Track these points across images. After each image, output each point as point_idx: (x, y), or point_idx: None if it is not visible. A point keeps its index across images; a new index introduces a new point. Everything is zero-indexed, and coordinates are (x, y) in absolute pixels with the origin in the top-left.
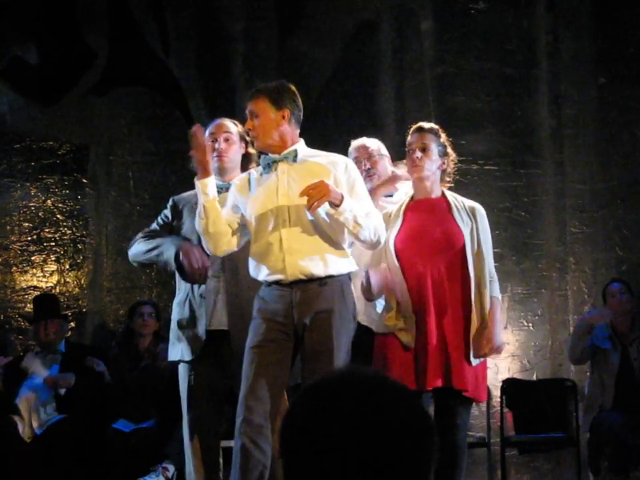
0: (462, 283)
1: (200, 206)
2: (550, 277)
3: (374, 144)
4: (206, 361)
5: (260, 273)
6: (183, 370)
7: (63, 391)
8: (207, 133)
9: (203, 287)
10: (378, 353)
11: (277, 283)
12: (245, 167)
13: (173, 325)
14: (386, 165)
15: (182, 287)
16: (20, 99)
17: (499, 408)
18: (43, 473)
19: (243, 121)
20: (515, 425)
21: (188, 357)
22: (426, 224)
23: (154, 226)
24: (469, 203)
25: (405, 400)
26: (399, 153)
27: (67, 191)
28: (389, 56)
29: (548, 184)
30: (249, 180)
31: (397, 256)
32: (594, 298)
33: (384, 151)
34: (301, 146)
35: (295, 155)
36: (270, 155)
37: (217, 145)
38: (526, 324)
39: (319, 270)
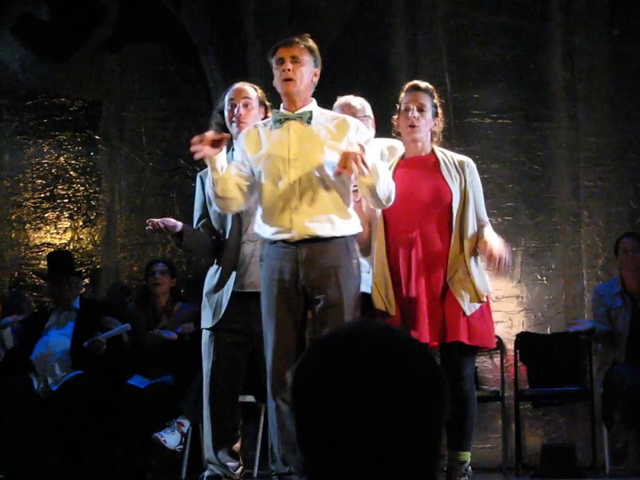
0: (448, 237)
1: (210, 177)
2: (563, 231)
3: (358, 103)
4: (230, 326)
5: (265, 230)
6: (206, 336)
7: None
8: (226, 98)
9: (240, 252)
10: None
11: (283, 241)
12: None
13: (203, 294)
14: (369, 127)
15: (219, 257)
16: (31, 56)
17: (512, 362)
18: (59, 429)
19: (256, 80)
20: (529, 379)
21: (209, 324)
22: (414, 182)
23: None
24: (458, 157)
25: (415, 352)
26: None
27: (80, 148)
28: (401, 9)
29: (561, 137)
30: (258, 134)
31: (384, 214)
32: (607, 251)
33: (369, 111)
34: (314, 107)
35: (309, 117)
36: (283, 110)
37: (235, 111)
38: (540, 277)
39: (324, 231)
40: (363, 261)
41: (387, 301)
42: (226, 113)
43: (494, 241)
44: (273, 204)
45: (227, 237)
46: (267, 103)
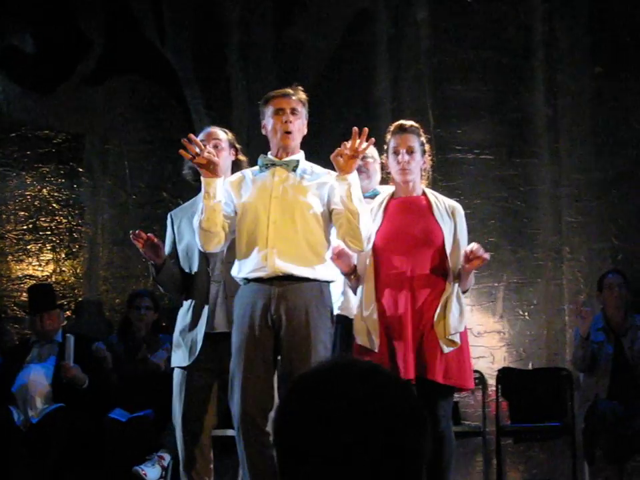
0: (439, 278)
1: (201, 203)
2: (545, 267)
3: (370, 150)
4: (202, 365)
5: (242, 270)
6: (177, 374)
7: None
8: None
9: (206, 293)
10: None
11: (257, 280)
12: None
13: (176, 333)
14: (376, 169)
15: (188, 294)
16: (16, 88)
17: (494, 397)
18: (39, 462)
19: (239, 113)
20: (511, 414)
21: (185, 363)
22: (406, 222)
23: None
24: (449, 202)
25: (398, 389)
26: None
27: (63, 180)
28: (385, 45)
29: (544, 173)
30: (243, 180)
31: (374, 252)
32: (589, 287)
33: (372, 154)
34: (301, 157)
35: (295, 166)
36: (270, 155)
37: None
38: (521, 313)
39: (299, 272)
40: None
41: (372, 337)
42: None
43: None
44: (250, 244)
45: (190, 272)
46: (237, 146)
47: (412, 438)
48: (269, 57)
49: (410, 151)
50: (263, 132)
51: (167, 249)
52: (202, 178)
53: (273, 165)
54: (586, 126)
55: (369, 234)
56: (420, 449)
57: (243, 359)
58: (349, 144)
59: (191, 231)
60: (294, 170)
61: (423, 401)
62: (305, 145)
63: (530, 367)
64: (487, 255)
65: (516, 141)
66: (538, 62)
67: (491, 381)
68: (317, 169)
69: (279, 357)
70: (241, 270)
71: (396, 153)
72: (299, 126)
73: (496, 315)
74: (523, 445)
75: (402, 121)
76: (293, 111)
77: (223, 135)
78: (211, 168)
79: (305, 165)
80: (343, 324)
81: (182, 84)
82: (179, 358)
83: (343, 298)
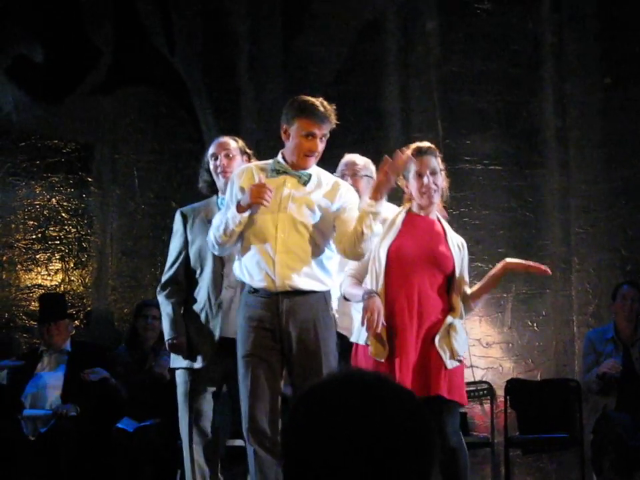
0: (444, 301)
1: (229, 224)
2: (554, 277)
3: (362, 162)
4: (212, 367)
5: (247, 276)
6: (181, 376)
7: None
8: (209, 153)
9: (220, 297)
10: (354, 361)
11: (264, 290)
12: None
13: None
14: (368, 186)
15: (199, 297)
16: (25, 98)
17: (503, 408)
18: (47, 472)
19: (249, 123)
20: (519, 425)
21: (199, 365)
22: (423, 241)
23: (172, 256)
24: (457, 236)
25: (406, 402)
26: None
27: (72, 190)
28: (394, 56)
29: (553, 184)
30: (252, 176)
31: (387, 264)
32: (598, 298)
33: (369, 172)
34: (314, 170)
35: (307, 180)
36: (283, 161)
37: (218, 162)
38: (530, 324)
39: (305, 285)
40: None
41: (383, 347)
42: (211, 167)
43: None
44: (258, 253)
45: (202, 275)
46: (249, 151)
47: (421, 451)
48: (278, 67)
49: (433, 172)
50: (282, 135)
51: (177, 249)
52: (238, 212)
53: (285, 172)
54: (595, 137)
55: (368, 252)
56: (429, 461)
57: (250, 369)
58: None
59: (204, 232)
60: (305, 184)
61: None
62: None
63: (538, 377)
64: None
65: (525, 151)
66: (547, 73)
67: (500, 392)
68: (325, 177)
69: (291, 370)
70: (245, 275)
71: (420, 175)
72: (322, 149)
73: (504, 326)
74: (532, 456)
75: (419, 144)
76: (323, 137)
77: (234, 144)
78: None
79: (315, 175)
80: (343, 341)
81: (191, 94)
82: (189, 360)
83: (343, 317)
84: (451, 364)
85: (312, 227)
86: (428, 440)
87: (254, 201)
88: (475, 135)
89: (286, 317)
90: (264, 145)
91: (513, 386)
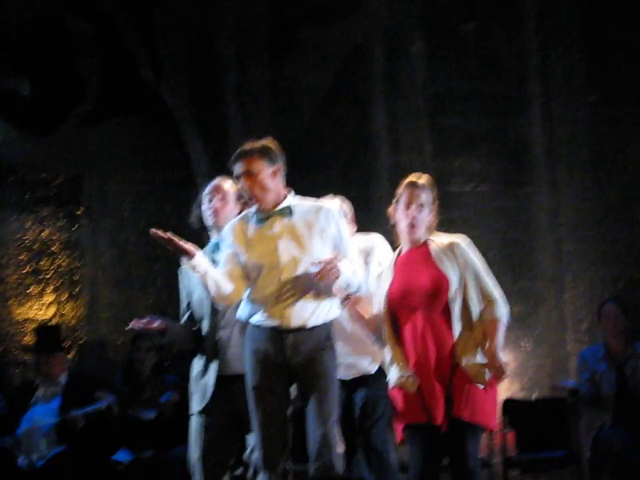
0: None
1: (207, 278)
2: (547, 296)
3: (336, 204)
4: (218, 410)
5: (251, 316)
6: (195, 421)
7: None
8: (205, 193)
9: (215, 338)
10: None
11: (270, 327)
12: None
13: (191, 380)
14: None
15: (200, 344)
16: (13, 131)
17: (500, 428)
18: None
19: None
20: (517, 445)
21: (198, 407)
22: (413, 275)
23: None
24: (447, 239)
25: None
26: (391, 176)
27: (62, 222)
28: (381, 79)
29: (542, 202)
30: (244, 227)
31: (391, 311)
32: (591, 316)
33: (346, 211)
34: (292, 199)
35: (289, 211)
36: (260, 209)
37: (211, 204)
38: (524, 344)
39: (311, 321)
40: None
41: (411, 381)
42: (204, 207)
43: (496, 348)
44: (261, 296)
45: (203, 323)
46: (244, 197)
47: None
48: (265, 93)
49: (420, 206)
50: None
51: (184, 302)
52: (185, 266)
53: (269, 216)
54: (583, 154)
55: (359, 288)
56: None
57: (258, 401)
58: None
59: (200, 283)
60: (289, 216)
61: (449, 440)
62: (305, 179)
63: (534, 396)
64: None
65: (513, 171)
66: (533, 92)
67: None
68: (304, 204)
69: (301, 393)
70: (250, 315)
71: (407, 207)
72: (260, 184)
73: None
74: (530, 476)
75: (414, 178)
76: (247, 174)
77: (231, 188)
78: (184, 252)
79: (296, 205)
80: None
81: (179, 122)
82: (194, 404)
83: None
84: (480, 384)
85: (308, 261)
86: None
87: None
88: (463, 155)
89: (291, 351)
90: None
91: (509, 405)
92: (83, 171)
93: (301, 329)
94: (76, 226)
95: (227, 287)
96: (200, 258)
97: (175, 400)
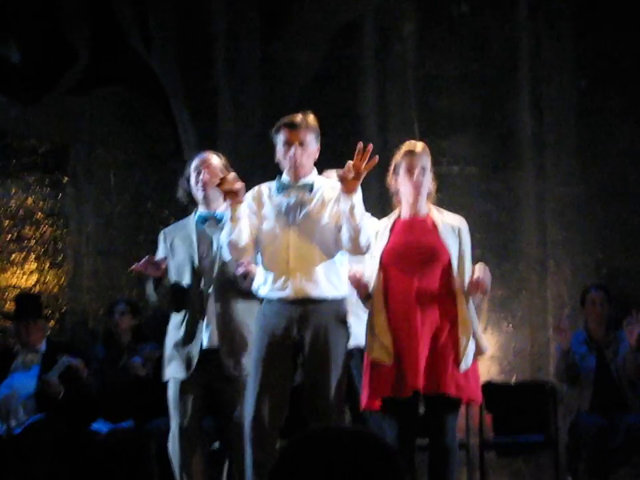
0: (447, 295)
1: (228, 224)
2: (530, 280)
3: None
4: (195, 379)
5: (262, 289)
6: (172, 386)
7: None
8: (192, 166)
9: (201, 309)
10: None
11: (279, 299)
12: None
13: (168, 345)
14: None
15: (182, 310)
16: (1, 98)
17: (478, 410)
18: (21, 473)
19: (225, 123)
20: (494, 427)
21: (181, 375)
22: (412, 240)
23: None
24: (452, 219)
25: (384, 457)
26: (380, 157)
27: (48, 190)
28: (371, 59)
29: (528, 187)
30: (262, 196)
31: (383, 270)
32: (574, 301)
33: None
34: (315, 177)
35: (311, 188)
36: (285, 176)
37: (200, 177)
38: (505, 326)
39: (319, 294)
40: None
41: (386, 351)
42: (192, 180)
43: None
44: (271, 266)
45: (184, 290)
46: (231, 169)
47: None
48: (255, 69)
49: (423, 171)
50: (277, 158)
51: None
52: (228, 203)
53: (289, 187)
54: (571, 140)
55: (368, 243)
56: None
57: (259, 372)
58: (352, 163)
59: (184, 248)
60: (310, 192)
61: (431, 414)
62: None
63: (514, 380)
64: (486, 285)
65: (501, 154)
66: (523, 76)
67: None
68: (328, 183)
69: (303, 372)
70: (262, 289)
71: (410, 172)
72: (308, 155)
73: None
74: (507, 458)
75: (412, 144)
76: (301, 144)
77: (217, 161)
78: (238, 196)
79: (319, 183)
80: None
81: (168, 95)
82: (174, 369)
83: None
84: (463, 367)
85: (323, 236)
86: None
87: (228, 198)
88: (451, 137)
89: (299, 324)
90: (241, 145)
91: (488, 388)
92: (69, 140)
93: (308, 301)
94: (61, 194)
95: (245, 238)
96: (243, 207)
97: (157, 355)
